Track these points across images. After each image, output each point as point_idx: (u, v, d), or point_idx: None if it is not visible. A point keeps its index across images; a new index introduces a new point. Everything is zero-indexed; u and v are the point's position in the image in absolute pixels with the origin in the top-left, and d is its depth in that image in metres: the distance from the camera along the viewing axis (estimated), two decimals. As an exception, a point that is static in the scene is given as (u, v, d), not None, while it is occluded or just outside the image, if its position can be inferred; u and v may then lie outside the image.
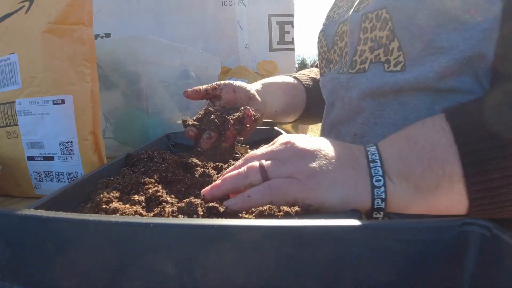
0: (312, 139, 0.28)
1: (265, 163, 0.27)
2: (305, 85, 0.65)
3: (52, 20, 0.44)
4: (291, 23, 1.48)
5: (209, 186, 0.28)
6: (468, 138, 0.24)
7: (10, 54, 0.47)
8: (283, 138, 0.29)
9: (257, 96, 0.52)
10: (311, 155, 0.26)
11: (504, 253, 0.15)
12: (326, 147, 0.27)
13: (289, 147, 0.27)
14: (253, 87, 0.55)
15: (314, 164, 0.25)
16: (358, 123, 0.42)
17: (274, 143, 0.29)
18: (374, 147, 0.28)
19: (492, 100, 0.26)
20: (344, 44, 0.45)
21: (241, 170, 0.27)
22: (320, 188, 0.24)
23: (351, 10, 0.43)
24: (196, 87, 0.50)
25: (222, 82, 0.52)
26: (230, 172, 0.29)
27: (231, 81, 0.52)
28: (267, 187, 0.25)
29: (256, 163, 0.27)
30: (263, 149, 0.29)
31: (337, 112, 0.46)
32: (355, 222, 0.17)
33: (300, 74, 0.70)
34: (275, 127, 0.69)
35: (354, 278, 0.17)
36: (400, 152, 0.26)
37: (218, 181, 0.28)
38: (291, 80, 0.65)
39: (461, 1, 0.31)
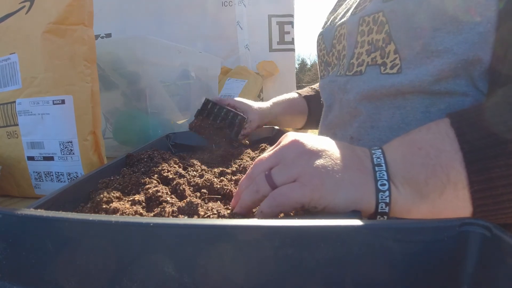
0: (318, 139, 0.28)
1: (271, 170, 0.27)
2: (305, 96, 0.73)
3: (53, 20, 0.44)
4: (291, 23, 1.49)
5: (235, 208, 0.28)
6: (473, 146, 0.24)
7: (10, 54, 0.47)
8: (289, 136, 0.29)
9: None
10: (316, 155, 0.26)
11: (504, 253, 0.15)
12: (331, 147, 0.27)
13: (295, 147, 0.27)
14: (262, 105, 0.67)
15: (319, 165, 0.25)
16: (354, 126, 0.42)
17: (280, 143, 0.29)
18: (380, 150, 0.27)
19: (495, 106, 0.26)
20: (342, 47, 0.45)
21: (252, 185, 0.27)
22: (324, 189, 0.24)
23: (349, 14, 0.44)
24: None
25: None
26: (243, 182, 0.29)
27: (241, 103, 0.64)
28: (272, 199, 0.25)
29: (262, 175, 0.27)
30: (270, 151, 0.29)
31: (335, 115, 0.47)
32: (355, 222, 0.17)
33: (306, 88, 0.77)
34: (275, 127, 0.69)
35: (354, 278, 0.17)
36: (405, 157, 0.26)
37: (239, 202, 0.28)
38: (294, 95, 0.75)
39: (457, 4, 0.31)
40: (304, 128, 0.77)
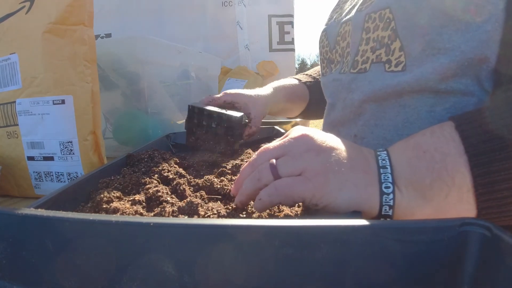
0: (327, 136, 0.28)
1: (276, 161, 0.27)
2: (306, 83, 0.70)
3: (53, 21, 0.44)
4: (291, 23, 1.49)
5: (237, 196, 0.28)
6: (478, 149, 0.24)
7: (10, 54, 0.47)
8: (299, 130, 0.29)
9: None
10: (325, 152, 0.26)
11: (504, 253, 0.15)
12: (340, 146, 0.27)
13: (304, 141, 0.27)
14: (262, 92, 0.62)
15: (326, 162, 0.25)
16: (358, 124, 0.42)
17: (288, 135, 0.29)
18: (385, 152, 0.27)
19: (499, 108, 0.26)
20: (346, 44, 0.45)
21: (255, 172, 0.27)
22: (327, 187, 0.24)
23: (354, 10, 0.43)
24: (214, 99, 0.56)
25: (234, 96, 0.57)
26: (245, 169, 0.29)
27: (239, 96, 0.57)
28: (273, 188, 0.25)
29: (266, 164, 0.27)
30: (277, 141, 0.29)
31: (338, 114, 0.46)
32: (355, 222, 0.17)
33: (301, 74, 0.74)
34: (275, 127, 0.69)
35: (354, 278, 0.17)
36: (410, 160, 0.26)
37: (241, 190, 0.28)
38: (295, 81, 0.72)
39: (463, 2, 0.31)
40: (297, 117, 0.76)
